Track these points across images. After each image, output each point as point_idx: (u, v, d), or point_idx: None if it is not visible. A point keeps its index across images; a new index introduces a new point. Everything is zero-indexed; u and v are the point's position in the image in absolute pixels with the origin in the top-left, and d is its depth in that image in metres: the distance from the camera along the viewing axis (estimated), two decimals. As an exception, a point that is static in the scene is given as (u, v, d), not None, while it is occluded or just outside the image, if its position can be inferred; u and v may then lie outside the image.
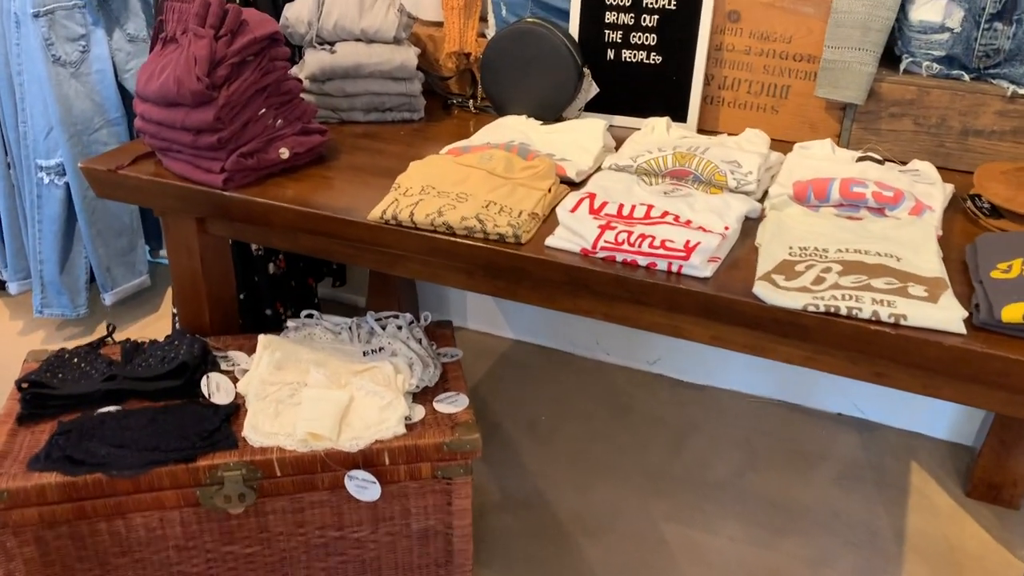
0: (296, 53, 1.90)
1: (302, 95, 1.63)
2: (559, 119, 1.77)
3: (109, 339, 1.67)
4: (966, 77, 1.59)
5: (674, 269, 1.25)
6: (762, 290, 1.19)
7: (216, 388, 1.53)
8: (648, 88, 1.77)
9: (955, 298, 1.16)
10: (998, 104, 1.56)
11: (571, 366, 2.51)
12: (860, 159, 1.54)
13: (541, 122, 1.74)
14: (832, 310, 1.15)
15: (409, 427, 1.48)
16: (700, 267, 1.24)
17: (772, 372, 2.33)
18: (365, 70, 1.76)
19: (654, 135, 1.66)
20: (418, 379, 1.57)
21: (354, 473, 1.45)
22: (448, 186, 1.43)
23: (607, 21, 1.75)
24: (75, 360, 1.58)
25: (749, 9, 1.68)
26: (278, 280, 2.28)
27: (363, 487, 1.46)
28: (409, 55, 1.78)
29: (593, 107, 1.81)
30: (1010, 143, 1.58)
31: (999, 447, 1.97)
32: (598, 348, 2.52)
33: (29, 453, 1.40)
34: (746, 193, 1.45)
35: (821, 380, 2.29)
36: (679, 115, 1.76)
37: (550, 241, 1.33)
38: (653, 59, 1.75)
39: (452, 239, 1.35)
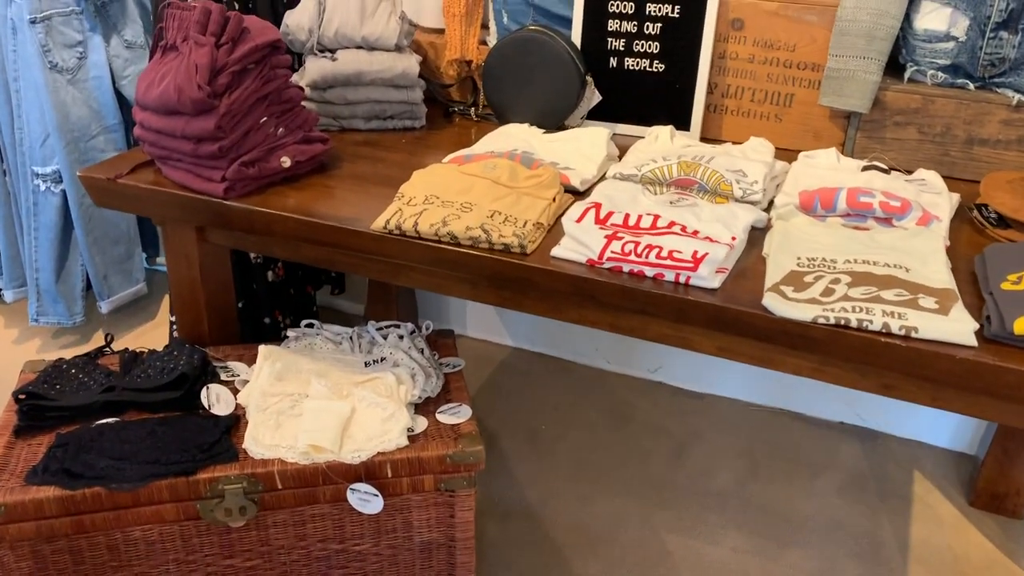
0: (296, 61, 1.88)
1: (303, 103, 1.62)
2: (561, 127, 1.76)
3: (107, 349, 1.65)
4: (971, 86, 1.58)
5: (682, 280, 1.24)
6: (772, 302, 1.18)
7: (216, 399, 1.51)
8: (651, 96, 1.76)
9: (966, 310, 1.15)
10: (1003, 113, 1.56)
11: (571, 374, 2.49)
12: (865, 168, 1.54)
13: (543, 130, 1.73)
14: (842, 322, 1.14)
15: (412, 439, 1.46)
16: (708, 278, 1.23)
17: (773, 380, 2.32)
18: (366, 78, 1.75)
19: (658, 144, 1.65)
20: (420, 390, 1.55)
21: (356, 486, 1.43)
22: (452, 195, 1.42)
23: (610, 29, 1.74)
24: (73, 371, 1.56)
25: (753, 17, 1.67)
26: (277, 288, 2.26)
27: (365, 500, 1.45)
28: (411, 63, 1.77)
29: (595, 115, 1.80)
30: (1015, 152, 1.57)
31: (1002, 456, 1.96)
32: (598, 356, 2.51)
33: (26, 466, 1.38)
34: (752, 203, 1.44)
35: (823, 389, 2.28)
36: (682, 123, 1.75)
37: (556, 251, 1.31)
38: (656, 67, 1.74)
39: (457, 249, 1.34)
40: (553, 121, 1.75)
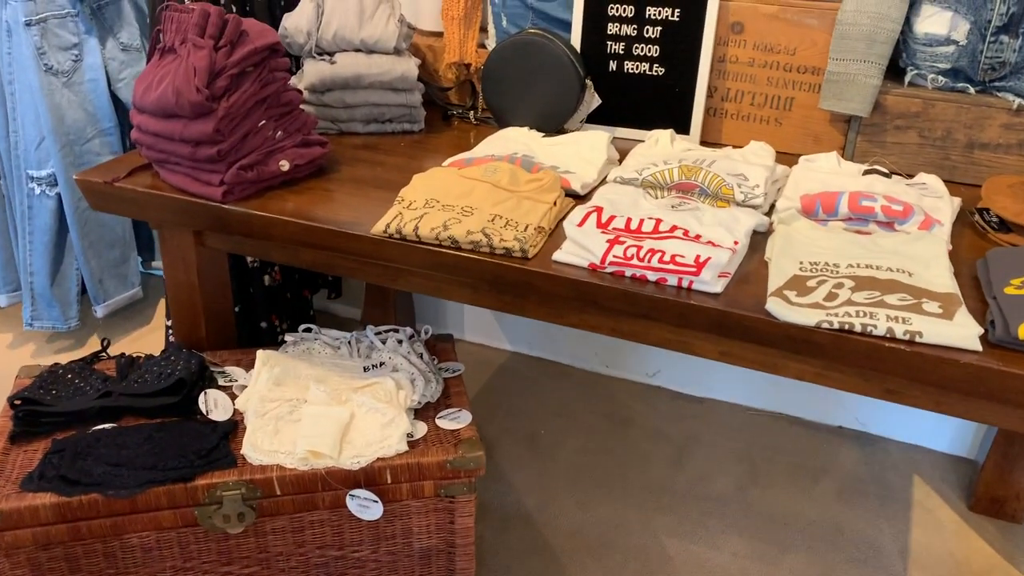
0: (294, 64, 1.87)
1: (301, 106, 1.61)
2: (561, 131, 1.75)
3: (103, 354, 1.64)
4: (971, 90, 1.58)
5: (684, 284, 1.23)
6: (775, 306, 1.17)
7: (214, 405, 1.50)
8: (651, 100, 1.76)
9: (970, 315, 1.15)
10: (1004, 117, 1.55)
11: (570, 378, 2.49)
12: (867, 172, 1.53)
13: (543, 134, 1.72)
14: (846, 327, 1.14)
15: (411, 444, 1.45)
16: (711, 282, 1.22)
17: (771, 385, 2.32)
18: (365, 81, 1.74)
19: (658, 147, 1.64)
20: (420, 395, 1.54)
21: (356, 492, 1.42)
22: (452, 199, 1.41)
23: (609, 32, 1.74)
24: (69, 376, 1.54)
25: (753, 20, 1.67)
26: (273, 293, 2.25)
27: (365, 506, 1.44)
28: (409, 66, 1.76)
29: (595, 119, 1.79)
30: (1016, 156, 1.57)
31: (1002, 461, 1.95)
32: (597, 360, 2.50)
33: (22, 473, 1.37)
34: (753, 207, 1.43)
35: (822, 393, 2.27)
36: (682, 127, 1.74)
37: (558, 256, 1.31)
38: (656, 70, 1.73)
39: (457, 253, 1.33)
40: (553, 125, 1.74)
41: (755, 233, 1.39)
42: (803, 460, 2.18)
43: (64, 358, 1.60)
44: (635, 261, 1.25)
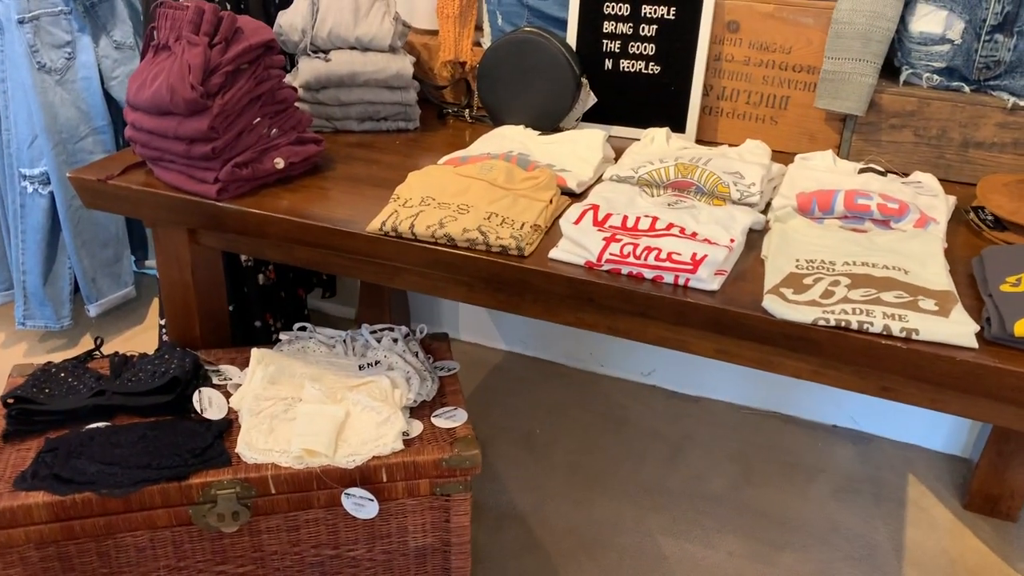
0: (289, 61, 1.87)
1: (296, 104, 1.60)
2: (557, 129, 1.75)
3: (97, 353, 1.63)
4: (966, 89, 1.58)
5: (681, 282, 1.23)
6: (772, 304, 1.17)
7: (208, 403, 1.49)
8: (646, 98, 1.75)
9: (966, 312, 1.15)
10: (998, 116, 1.56)
11: (565, 378, 2.48)
12: (862, 171, 1.53)
13: (539, 132, 1.72)
14: (843, 324, 1.14)
15: (407, 443, 1.45)
16: (708, 280, 1.22)
17: (766, 384, 2.32)
18: (360, 79, 1.73)
19: (654, 146, 1.64)
20: (415, 393, 1.54)
21: (351, 490, 1.42)
22: (448, 197, 1.41)
23: (605, 30, 1.74)
24: (62, 374, 1.53)
25: (748, 19, 1.67)
26: (268, 291, 2.24)
27: (360, 505, 1.43)
28: (405, 64, 1.75)
29: (591, 117, 1.79)
30: (1011, 155, 1.57)
31: (997, 459, 1.96)
32: (592, 360, 2.50)
33: (15, 472, 1.36)
34: (749, 205, 1.43)
35: (816, 392, 2.28)
36: (678, 125, 1.74)
37: (554, 253, 1.30)
38: (652, 69, 1.73)
39: (453, 251, 1.33)
40: (548, 123, 1.74)
41: (751, 231, 1.39)
42: (798, 459, 2.19)
43: (57, 357, 1.60)
44: (631, 259, 1.25)
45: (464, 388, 2.35)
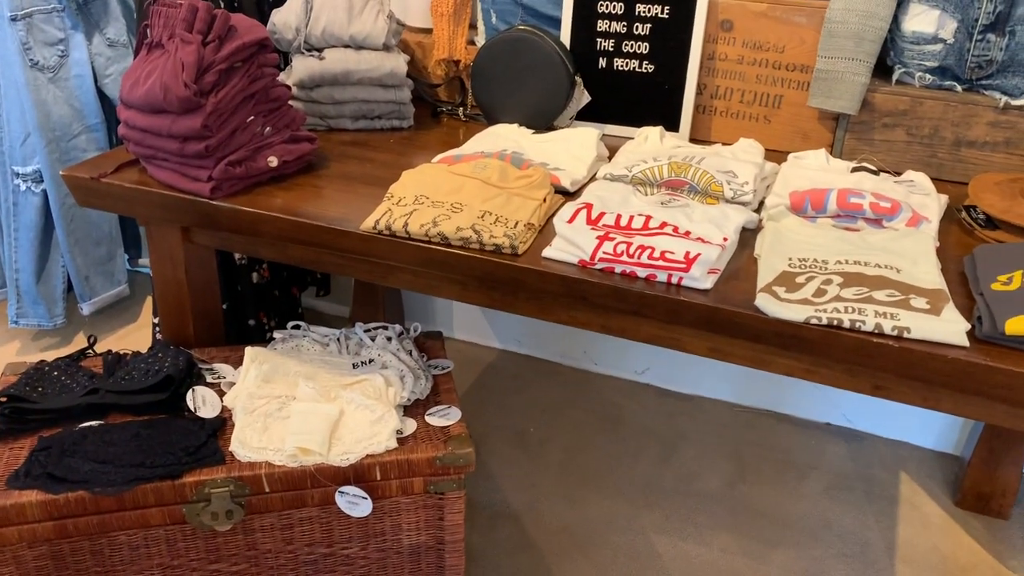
0: (283, 60, 1.86)
1: (290, 102, 1.60)
2: (550, 128, 1.75)
3: (90, 351, 1.63)
4: (959, 88, 1.59)
5: (674, 281, 1.23)
6: (764, 302, 1.18)
7: (202, 402, 1.49)
8: (640, 97, 1.76)
9: (957, 311, 1.15)
10: (990, 115, 1.56)
11: (559, 376, 2.49)
12: (855, 169, 1.54)
13: (532, 131, 1.72)
14: (835, 323, 1.14)
15: (401, 441, 1.45)
16: (700, 279, 1.22)
17: (759, 382, 2.33)
18: (354, 77, 1.73)
19: (647, 144, 1.65)
20: (409, 392, 1.54)
21: (345, 489, 1.42)
22: (442, 196, 1.41)
23: (599, 29, 1.74)
24: (55, 373, 1.53)
25: (742, 18, 1.67)
26: (262, 290, 2.24)
27: (354, 503, 1.43)
28: (399, 62, 1.75)
29: (585, 116, 1.79)
30: (1003, 154, 1.58)
31: (988, 457, 1.97)
32: (586, 358, 2.50)
33: (8, 470, 1.35)
34: (742, 203, 1.43)
35: (809, 390, 2.29)
36: (671, 124, 1.75)
37: (547, 252, 1.31)
38: (645, 68, 1.74)
39: (447, 250, 1.33)
40: (542, 122, 1.74)
41: (744, 230, 1.39)
42: (791, 457, 2.19)
43: (50, 356, 1.59)
44: (625, 257, 1.25)
45: (458, 386, 2.36)
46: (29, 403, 1.44)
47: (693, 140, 1.76)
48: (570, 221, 1.34)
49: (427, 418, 1.51)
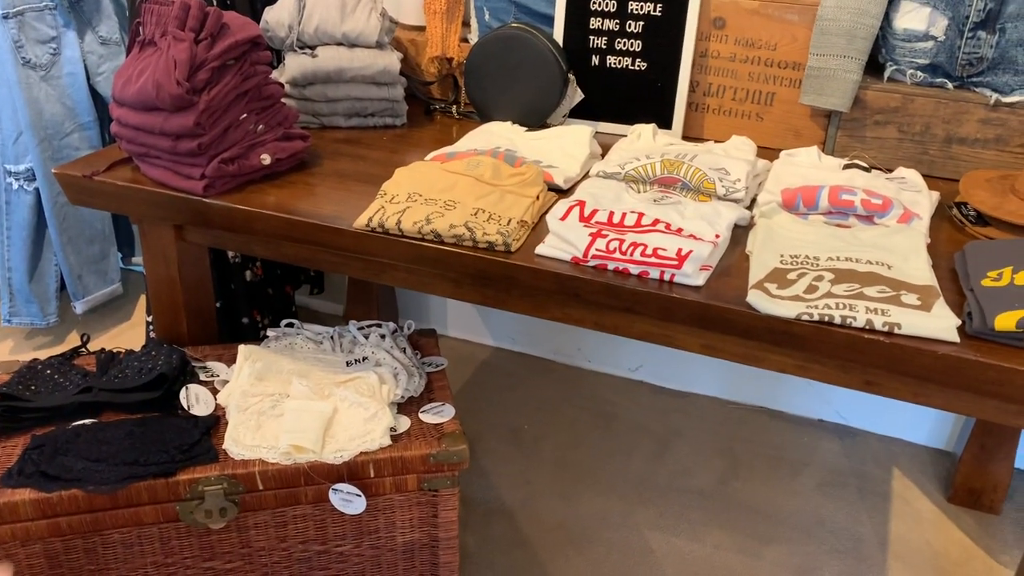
0: (276, 57, 1.86)
1: (282, 100, 1.60)
2: (544, 125, 1.76)
3: (83, 349, 1.63)
4: (950, 85, 1.60)
5: (666, 278, 1.24)
6: (756, 299, 1.18)
7: (195, 400, 1.49)
8: (633, 94, 1.76)
9: (947, 306, 1.16)
10: (981, 112, 1.57)
11: (553, 374, 2.49)
12: (847, 167, 1.54)
13: (526, 128, 1.72)
14: (826, 319, 1.15)
15: (394, 438, 1.45)
16: (693, 275, 1.23)
17: (752, 379, 2.33)
18: (347, 74, 1.73)
19: (640, 142, 1.65)
20: (403, 389, 1.54)
21: (339, 486, 1.42)
22: (435, 193, 1.41)
23: (592, 27, 1.74)
24: (48, 371, 1.53)
25: (734, 16, 1.68)
26: (255, 288, 2.24)
27: (348, 500, 1.43)
28: (391, 59, 1.75)
29: (578, 113, 1.79)
30: (993, 151, 1.59)
31: (980, 453, 1.98)
32: (580, 355, 2.51)
33: (1, 469, 1.35)
34: (734, 200, 1.44)
35: (802, 386, 2.29)
36: (664, 122, 1.75)
37: (540, 249, 1.31)
38: (638, 65, 1.74)
39: (440, 247, 1.33)
40: (535, 119, 1.75)
41: (737, 227, 1.40)
42: (784, 453, 2.20)
43: (43, 354, 1.59)
44: (617, 254, 1.26)
45: (452, 384, 2.36)
46: (22, 401, 1.44)
47: (686, 138, 1.76)
48: (563, 218, 1.34)
49: (421, 415, 1.51)
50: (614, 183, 1.48)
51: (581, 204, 1.37)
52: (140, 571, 1.43)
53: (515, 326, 2.55)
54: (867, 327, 1.14)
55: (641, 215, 1.34)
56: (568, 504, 2.02)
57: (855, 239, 1.33)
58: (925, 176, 1.54)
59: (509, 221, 1.35)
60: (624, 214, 1.34)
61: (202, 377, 1.57)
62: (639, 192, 1.46)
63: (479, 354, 2.57)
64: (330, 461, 1.40)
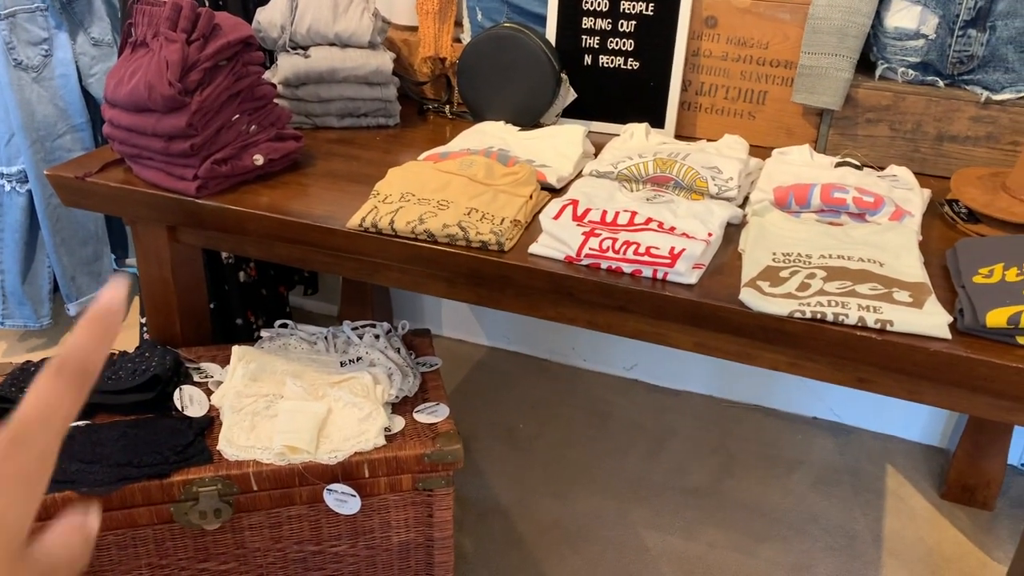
0: (268, 57, 1.86)
1: (275, 100, 1.60)
2: (537, 125, 1.76)
3: (76, 351, 1.62)
4: (941, 83, 1.60)
5: (659, 276, 1.24)
6: (748, 297, 1.19)
7: (189, 401, 1.49)
8: (626, 94, 1.76)
9: (939, 303, 1.16)
10: (972, 110, 1.58)
11: (547, 373, 2.49)
12: (838, 164, 1.55)
13: (519, 128, 1.72)
14: (819, 316, 1.15)
15: (389, 438, 1.45)
16: (685, 274, 1.23)
17: (747, 377, 2.34)
18: (340, 75, 1.73)
19: (633, 141, 1.65)
20: (397, 389, 1.54)
21: (333, 486, 1.42)
22: (428, 193, 1.41)
23: (584, 26, 1.74)
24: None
25: (726, 15, 1.68)
26: (249, 289, 2.23)
27: (342, 500, 1.43)
28: (384, 60, 1.75)
29: (570, 113, 1.79)
30: (984, 149, 1.59)
31: (973, 449, 1.99)
32: (574, 354, 2.51)
33: (-6, 471, 1.35)
34: (727, 199, 1.44)
35: (796, 385, 2.30)
36: (657, 121, 1.75)
37: (534, 248, 1.31)
38: (631, 65, 1.74)
39: (434, 247, 1.33)
40: (528, 119, 1.75)
41: (729, 225, 1.40)
42: (778, 451, 2.21)
43: (37, 356, 1.59)
44: (610, 253, 1.26)
45: (447, 384, 2.35)
46: (15, 404, 1.43)
47: (678, 136, 1.77)
48: (556, 217, 1.34)
49: (415, 415, 1.51)
50: (607, 182, 1.49)
51: (574, 203, 1.37)
52: (135, 573, 1.43)
53: (509, 325, 2.55)
54: (859, 324, 1.14)
55: (634, 214, 1.34)
56: (563, 503, 2.02)
57: (847, 237, 1.34)
58: (917, 174, 1.55)
59: (502, 220, 1.35)
60: (617, 213, 1.35)
61: (196, 378, 1.56)
62: (632, 191, 1.46)
63: (473, 354, 2.57)
64: (324, 461, 1.40)
